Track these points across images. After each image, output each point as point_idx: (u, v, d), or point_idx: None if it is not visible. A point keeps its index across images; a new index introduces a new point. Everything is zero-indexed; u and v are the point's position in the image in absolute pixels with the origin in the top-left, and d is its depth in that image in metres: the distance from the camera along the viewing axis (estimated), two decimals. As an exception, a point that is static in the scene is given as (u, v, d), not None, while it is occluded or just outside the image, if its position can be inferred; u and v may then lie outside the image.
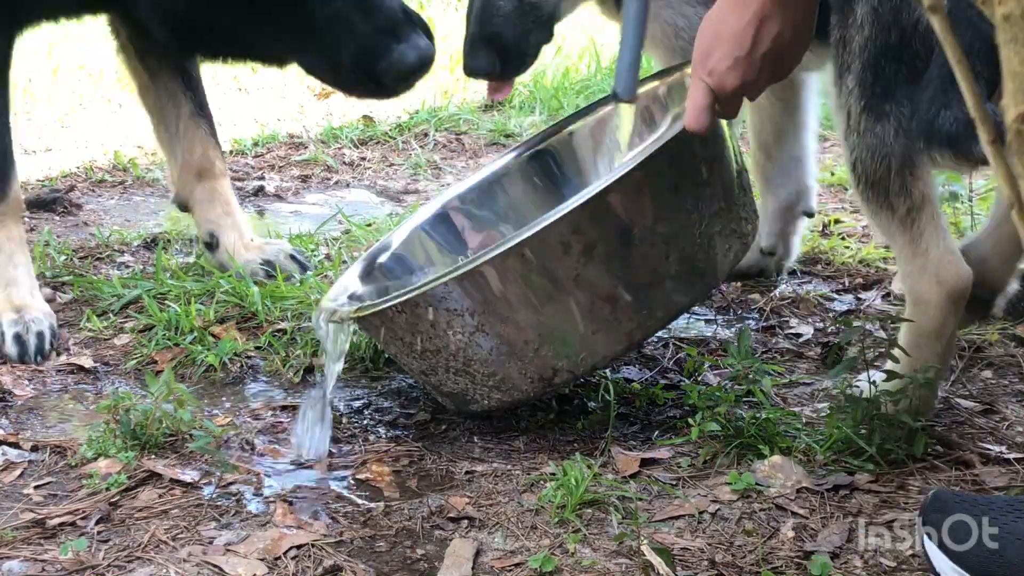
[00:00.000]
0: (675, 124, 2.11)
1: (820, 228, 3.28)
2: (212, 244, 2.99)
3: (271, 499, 2.01)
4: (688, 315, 2.67)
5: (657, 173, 2.09)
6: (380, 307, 2.12)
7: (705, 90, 1.86)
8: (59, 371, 2.51)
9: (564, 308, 2.07)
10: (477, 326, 2.07)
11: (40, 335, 2.55)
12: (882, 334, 2.60)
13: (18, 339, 2.54)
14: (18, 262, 2.65)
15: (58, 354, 2.56)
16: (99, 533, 1.91)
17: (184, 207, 3.07)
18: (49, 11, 2.78)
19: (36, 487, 2.06)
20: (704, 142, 2.11)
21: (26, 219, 3.22)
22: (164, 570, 1.80)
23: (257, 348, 2.57)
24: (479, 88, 4.98)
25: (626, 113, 2.60)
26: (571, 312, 2.07)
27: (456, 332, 2.07)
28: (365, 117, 4.58)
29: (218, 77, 5.07)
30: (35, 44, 4.60)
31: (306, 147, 4.18)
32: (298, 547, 1.86)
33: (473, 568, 1.81)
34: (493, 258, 2.03)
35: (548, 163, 2.65)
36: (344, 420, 2.28)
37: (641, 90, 2.27)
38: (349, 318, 2.16)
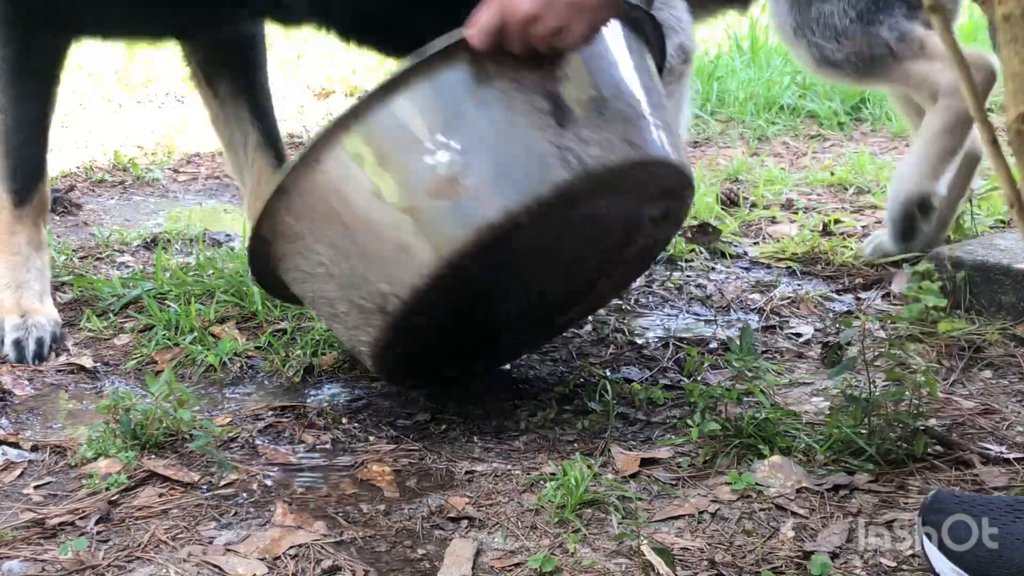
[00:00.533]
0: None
1: (820, 228, 3.28)
2: None
3: (271, 499, 2.01)
4: (688, 315, 2.67)
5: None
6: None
7: (495, 10, 1.86)
8: (59, 371, 2.51)
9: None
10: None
11: (40, 341, 2.55)
12: (882, 334, 2.61)
13: (17, 344, 2.55)
14: (33, 266, 2.65)
15: (57, 355, 2.56)
16: (99, 533, 1.90)
17: None
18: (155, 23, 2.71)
19: (36, 487, 2.06)
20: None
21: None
22: (164, 570, 1.80)
23: (257, 348, 2.57)
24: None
25: None
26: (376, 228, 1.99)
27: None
28: (365, 117, 4.58)
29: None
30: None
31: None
32: (298, 547, 1.86)
33: (473, 568, 1.81)
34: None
35: None
36: (344, 420, 2.28)
37: None
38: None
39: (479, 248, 1.95)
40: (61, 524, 1.93)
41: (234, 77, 2.94)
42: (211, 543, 1.88)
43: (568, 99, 1.97)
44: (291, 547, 1.86)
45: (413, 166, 1.96)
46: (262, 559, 1.82)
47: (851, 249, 3.10)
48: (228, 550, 1.85)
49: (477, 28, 1.88)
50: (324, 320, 2.21)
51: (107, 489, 2.02)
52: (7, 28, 2.62)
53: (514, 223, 1.94)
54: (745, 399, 2.27)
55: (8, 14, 2.62)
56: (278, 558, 1.83)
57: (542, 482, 2.03)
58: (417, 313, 2.02)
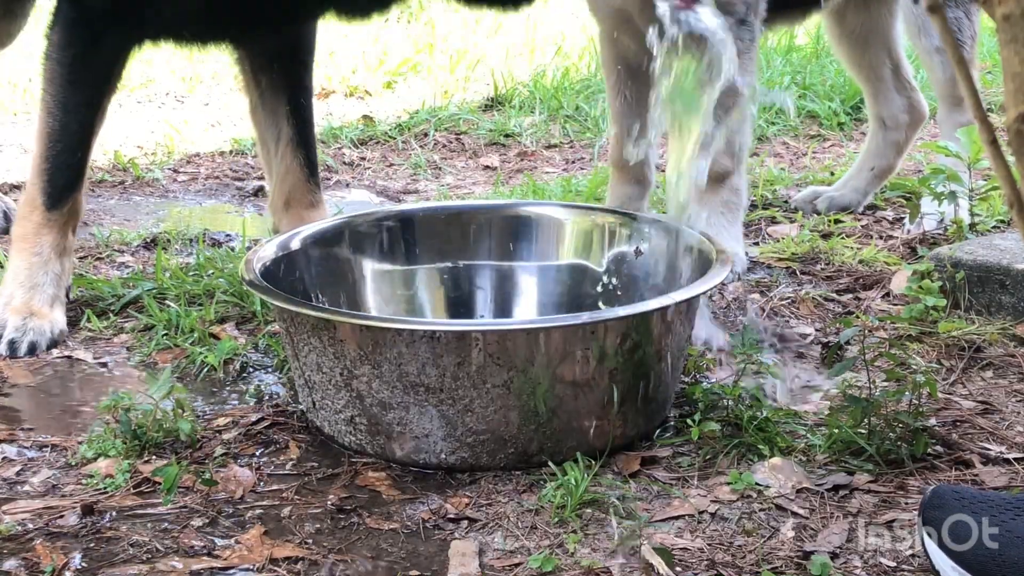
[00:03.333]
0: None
1: (820, 228, 3.28)
2: None
3: (270, 500, 2.01)
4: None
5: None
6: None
7: None
8: (59, 370, 2.51)
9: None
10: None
11: (33, 345, 2.56)
12: (882, 334, 2.61)
13: (11, 344, 2.56)
14: (51, 270, 2.65)
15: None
16: (98, 534, 1.90)
17: (277, 232, 2.99)
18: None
19: (35, 487, 2.05)
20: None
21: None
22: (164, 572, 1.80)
23: (257, 348, 2.57)
24: (479, 88, 4.98)
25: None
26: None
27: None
28: (365, 117, 4.58)
29: (218, 77, 5.08)
30: (35, 44, 4.60)
31: (306, 147, 4.17)
32: (298, 547, 1.86)
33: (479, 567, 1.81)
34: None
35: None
36: (344, 420, 2.28)
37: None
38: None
39: None
40: (60, 525, 1.93)
41: (279, 71, 2.94)
42: (209, 544, 1.87)
43: None
44: (290, 547, 1.86)
45: None
46: (260, 560, 1.82)
47: (851, 249, 3.10)
48: (225, 551, 1.85)
49: None
50: None
51: (106, 490, 2.02)
52: (69, 30, 2.59)
53: None
54: (745, 399, 2.27)
55: (71, 16, 2.59)
56: (276, 560, 1.83)
57: (542, 482, 2.03)
58: None
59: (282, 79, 2.95)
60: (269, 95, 2.96)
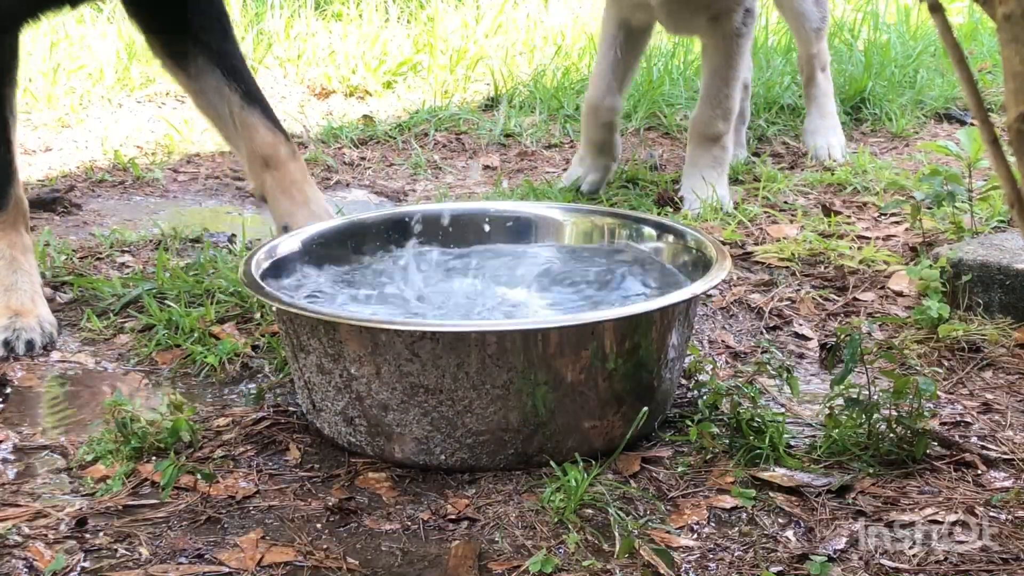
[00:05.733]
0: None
1: (820, 228, 3.27)
2: None
3: (270, 500, 2.01)
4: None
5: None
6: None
7: None
8: (59, 371, 2.51)
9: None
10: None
11: (30, 343, 2.55)
12: (882, 335, 2.61)
13: (7, 344, 2.55)
14: (19, 268, 2.65)
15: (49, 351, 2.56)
16: (95, 537, 1.90)
17: (264, 199, 2.98)
18: None
19: (33, 488, 2.05)
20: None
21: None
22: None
23: (257, 348, 2.57)
24: (479, 88, 4.98)
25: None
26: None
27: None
28: (365, 117, 4.58)
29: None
30: (35, 44, 4.61)
31: (306, 147, 4.17)
32: (297, 548, 1.86)
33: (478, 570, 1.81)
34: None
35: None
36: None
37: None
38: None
39: None
40: (60, 526, 1.92)
41: (200, 51, 2.89)
42: (210, 543, 1.87)
43: None
44: (290, 548, 1.86)
45: None
46: (260, 561, 1.82)
47: (851, 249, 3.09)
48: (227, 550, 1.85)
49: None
50: None
51: (105, 492, 2.01)
52: None
53: None
54: (745, 399, 2.26)
55: None
56: (277, 560, 1.83)
57: (542, 483, 2.03)
58: None
59: (206, 54, 2.90)
60: (204, 75, 2.91)
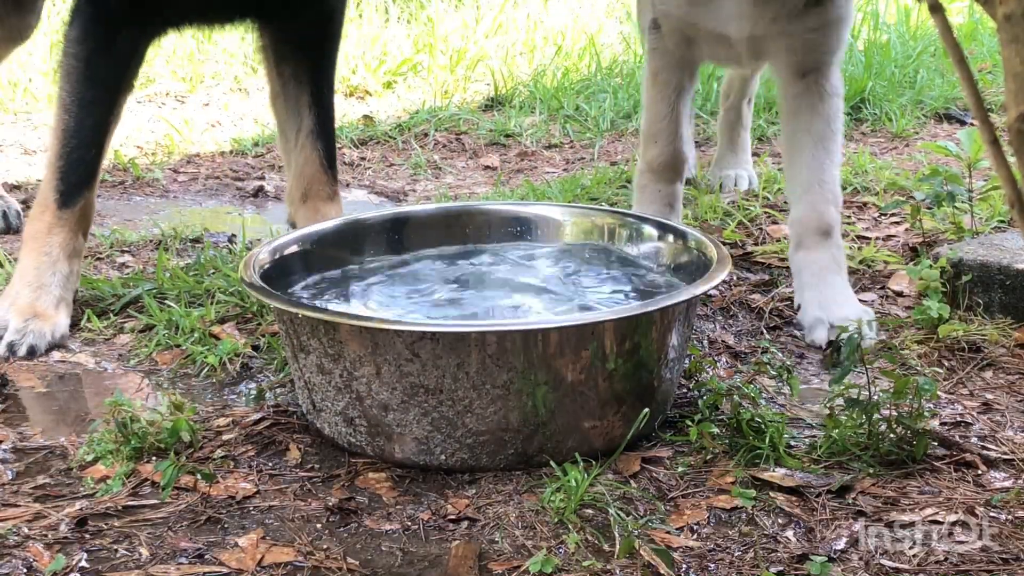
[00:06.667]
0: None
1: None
2: None
3: (270, 501, 2.01)
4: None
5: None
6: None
7: None
8: (59, 371, 2.51)
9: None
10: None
11: (32, 349, 2.55)
12: (882, 335, 2.60)
13: (11, 347, 2.55)
14: (59, 271, 2.64)
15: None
16: (95, 537, 1.90)
17: (294, 224, 3.00)
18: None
19: (33, 488, 2.05)
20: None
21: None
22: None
23: (257, 348, 2.57)
24: (479, 88, 4.98)
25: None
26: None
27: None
28: (365, 117, 4.58)
29: (218, 77, 5.08)
30: (35, 44, 4.61)
31: (306, 147, 4.17)
32: (297, 549, 1.86)
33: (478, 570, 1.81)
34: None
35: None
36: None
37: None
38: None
39: None
40: (59, 527, 1.92)
41: (302, 60, 2.91)
42: (209, 543, 1.87)
43: None
44: (290, 549, 1.86)
45: None
46: (259, 561, 1.82)
47: (851, 249, 3.09)
48: (226, 550, 1.85)
49: None
50: None
51: (104, 493, 2.01)
52: (85, 25, 2.58)
53: None
54: (745, 399, 2.26)
55: (88, 10, 2.57)
56: (276, 561, 1.83)
57: (542, 483, 2.03)
58: None
59: (305, 69, 2.92)
60: (292, 84, 2.93)
